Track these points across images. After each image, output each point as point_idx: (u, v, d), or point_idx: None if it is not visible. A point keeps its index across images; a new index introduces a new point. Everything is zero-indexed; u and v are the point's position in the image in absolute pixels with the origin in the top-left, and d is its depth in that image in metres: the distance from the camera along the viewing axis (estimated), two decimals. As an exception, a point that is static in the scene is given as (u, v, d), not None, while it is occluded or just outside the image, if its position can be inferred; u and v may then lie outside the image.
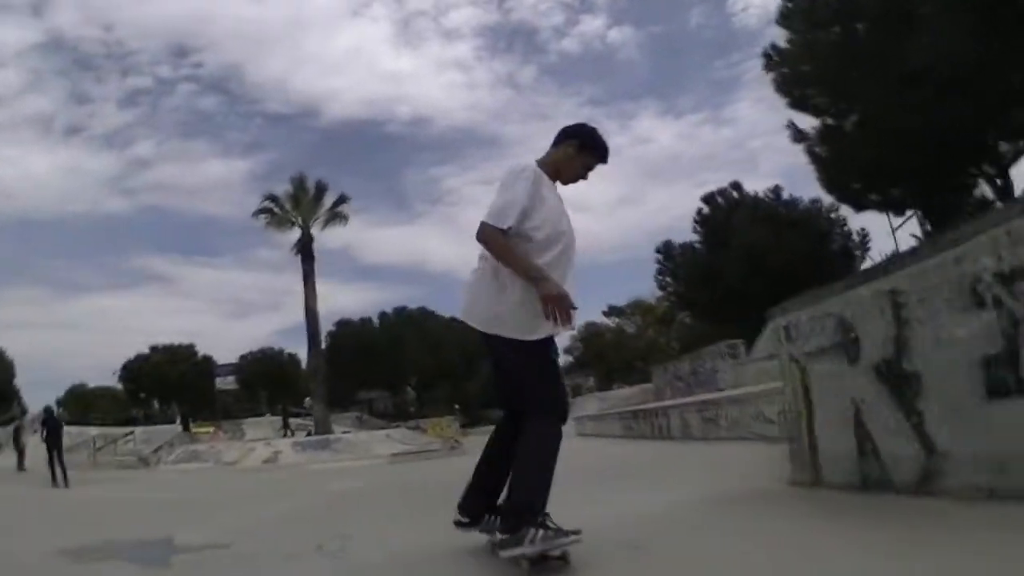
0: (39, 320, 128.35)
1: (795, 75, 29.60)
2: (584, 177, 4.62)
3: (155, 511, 11.27)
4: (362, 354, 72.18)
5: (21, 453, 33.40)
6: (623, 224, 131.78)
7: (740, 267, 44.23)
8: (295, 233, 44.70)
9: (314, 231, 44.87)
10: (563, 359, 75.01)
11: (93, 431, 48.91)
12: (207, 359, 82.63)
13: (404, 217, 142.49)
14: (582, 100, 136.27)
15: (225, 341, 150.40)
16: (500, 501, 4.24)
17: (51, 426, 23.60)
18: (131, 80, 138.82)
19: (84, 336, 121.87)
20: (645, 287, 75.16)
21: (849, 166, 29.27)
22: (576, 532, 3.71)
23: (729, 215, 49.17)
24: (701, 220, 52.02)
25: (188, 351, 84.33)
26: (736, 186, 51.92)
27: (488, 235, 4.00)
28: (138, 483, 21.12)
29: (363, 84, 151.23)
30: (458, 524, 4.46)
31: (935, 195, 29.21)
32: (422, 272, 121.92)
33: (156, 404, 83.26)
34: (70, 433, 46.47)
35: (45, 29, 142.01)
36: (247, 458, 32.02)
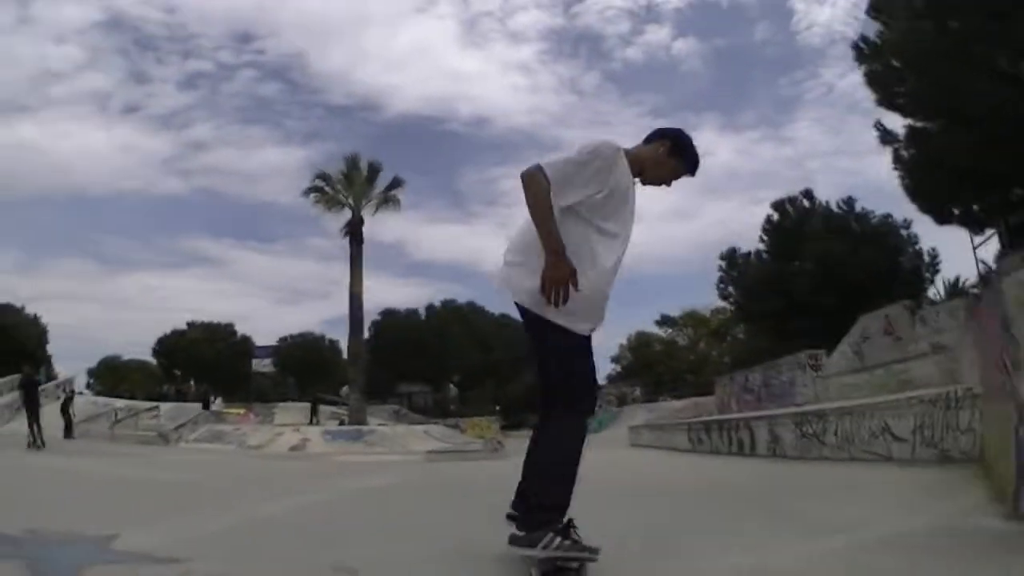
0: (86, 293, 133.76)
1: (887, 70, 27.07)
2: (668, 183, 4.44)
3: (131, 495, 9.13)
4: (405, 346, 70.41)
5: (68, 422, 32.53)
6: (676, 236, 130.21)
7: (810, 279, 41.87)
8: (345, 215, 43.38)
9: (365, 214, 43.51)
10: (610, 367, 68.87)
11: (119, 403, 47.87)
12: (245, 339, 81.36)
13: (459, 216, 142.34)
14: (644, 110, 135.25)
15: (271, 326, 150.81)
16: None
17: (28, 388, 23.26)
18: (192, 63, 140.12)
19: (129, 312, 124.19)
20: (693, 301, 74.64)
21: (939, 172, 26.68)
22: (594, 550, 3.52)
23: (800, 224, 46.61)
24: (771, 228, 49.25)
25: (227, 330, 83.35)
26: (808, 194, 49.01)
27: (535, 178, 3.71)
28: (144, 459, 19.20)
29: (426, 81, 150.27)
30: (509, 517, 4.00)
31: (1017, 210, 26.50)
32: (474, 272, 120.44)
33: (192, 381, 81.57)
34: (96, 403, 46.09)
35: (106, 7, 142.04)
36: (273, 443, 30.59)
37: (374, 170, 44.71)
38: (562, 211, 3.71)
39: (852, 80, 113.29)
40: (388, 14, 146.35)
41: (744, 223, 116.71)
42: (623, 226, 3.90)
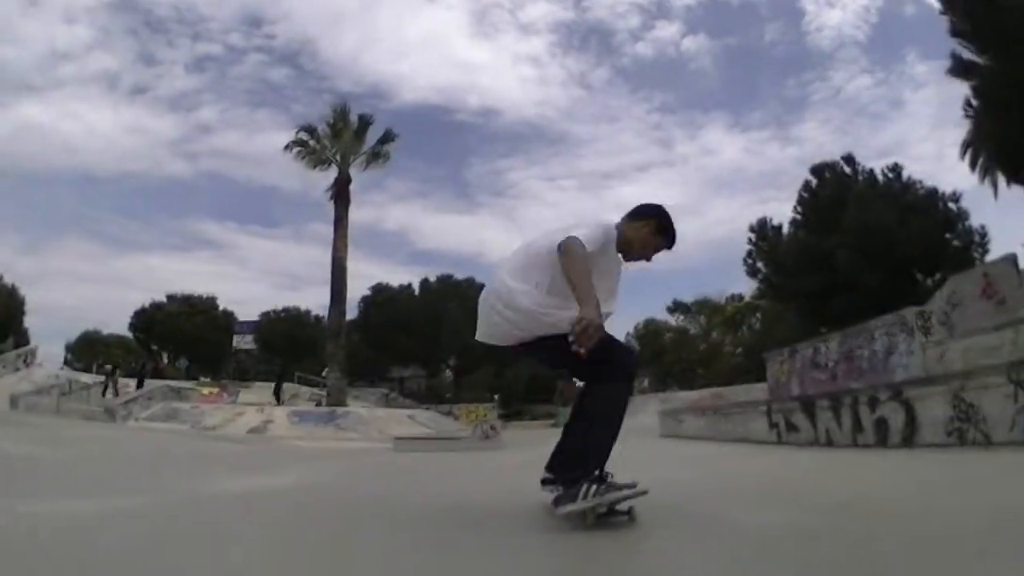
0: (88, 273, 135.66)
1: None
2: (648, 259, 4.85)
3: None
4: (397, 325, 66.58)
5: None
6: (684, 232, 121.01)
7: (852, 253, 38.21)
8: (332, 174, 40.53)
9: (353, 171, 40.64)
10: None
11: (85, 377, 45.96)
12: (227, 314, 78.03)
13: (465, 206, 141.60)
14: (652, 106, 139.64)
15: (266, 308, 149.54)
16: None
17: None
18: (201, 46, 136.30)
19: (127, 292, 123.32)
20: (704, 292, 74.49)
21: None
22: (631, 485, 3.97)
23: (840, 192, 42.53)
24: (808, 196, 45.20)
25: (208, 303, 79.64)
26: (849, 160, 44.94)
27: (577, 248, 4.03)
28: (52, 433, 16.58)
29: (435, 70, 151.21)
30: (544, 481, 4.38)
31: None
32: (478, 263, 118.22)
33: (166, 356, 78.88)
34: (58, 376, 43.59)
35: None
36: (231, 424, 28.40)
37: (364, 123, 41.62)
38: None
39: (860, 84, 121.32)
40: (399, 2, 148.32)
41: (750, 221, 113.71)
42: (603, 301, 4.00)
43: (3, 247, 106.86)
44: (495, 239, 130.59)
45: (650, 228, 4.65)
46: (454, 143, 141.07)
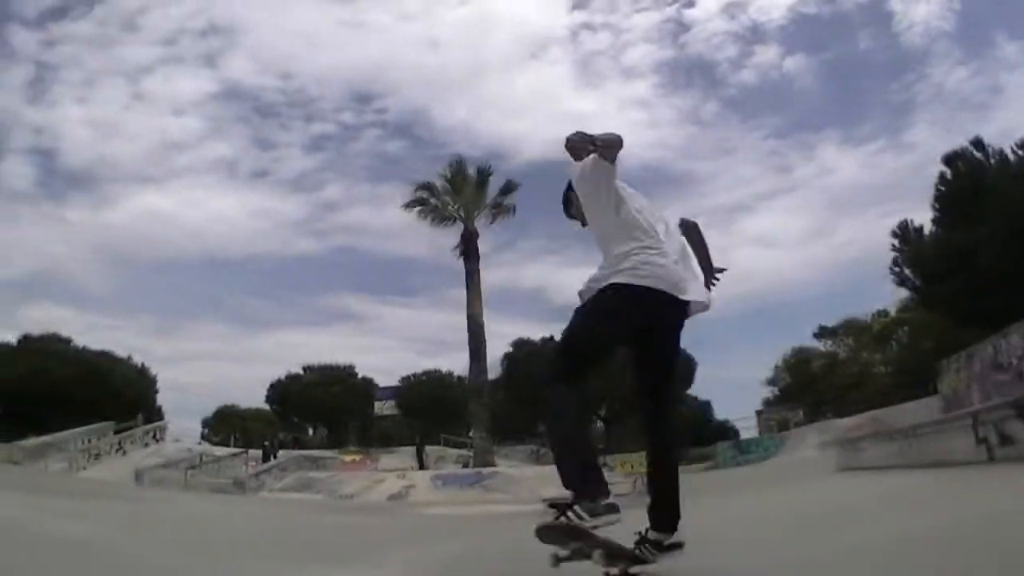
0: (222, 352, 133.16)
1: None
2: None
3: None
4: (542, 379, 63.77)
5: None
6: (815, 258, 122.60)
7: (1000, 246, 33.16)
8: (457, 230, 38.98)
9: (479, 226, 39.01)
10: (766, 391, 62.58)
11: (218, 451, 44.42)
12: (366, 381, 76.56)
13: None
14: (765, 133, 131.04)
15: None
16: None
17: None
18: (315, 126, 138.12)
19: (266, 368, 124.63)
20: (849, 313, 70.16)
21: None
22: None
23: (977, 181, 37.44)
24: (945, 190, 39.93)
25: (344, 372, 78.16)
26: (978, 144, 39.74)
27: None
28: (150, 509, 13.62)
29: (548, 125, 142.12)
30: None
31: None
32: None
33: (309, 428, 78.01)
34: (191, 450, 42.60)
35: (220, 79, 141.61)
36: (370, 491, 26.73)
37: (483, 175, 39.83)
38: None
39: (958, 76, 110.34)
40: (503, 63, 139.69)
41: (878, 238, 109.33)
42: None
43: (137, 331, 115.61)
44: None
45: None
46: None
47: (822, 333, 71.87)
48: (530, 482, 26.49)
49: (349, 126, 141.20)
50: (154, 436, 45.11)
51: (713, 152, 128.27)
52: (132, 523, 10.51)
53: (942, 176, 40.87)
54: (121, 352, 71.98)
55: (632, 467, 39.17)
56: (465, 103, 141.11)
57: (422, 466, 37.86)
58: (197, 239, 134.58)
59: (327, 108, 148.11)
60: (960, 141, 35.92)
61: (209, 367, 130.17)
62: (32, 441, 41.12)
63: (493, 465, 32.46)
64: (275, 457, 38.02)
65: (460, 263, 38.10)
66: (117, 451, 41.00)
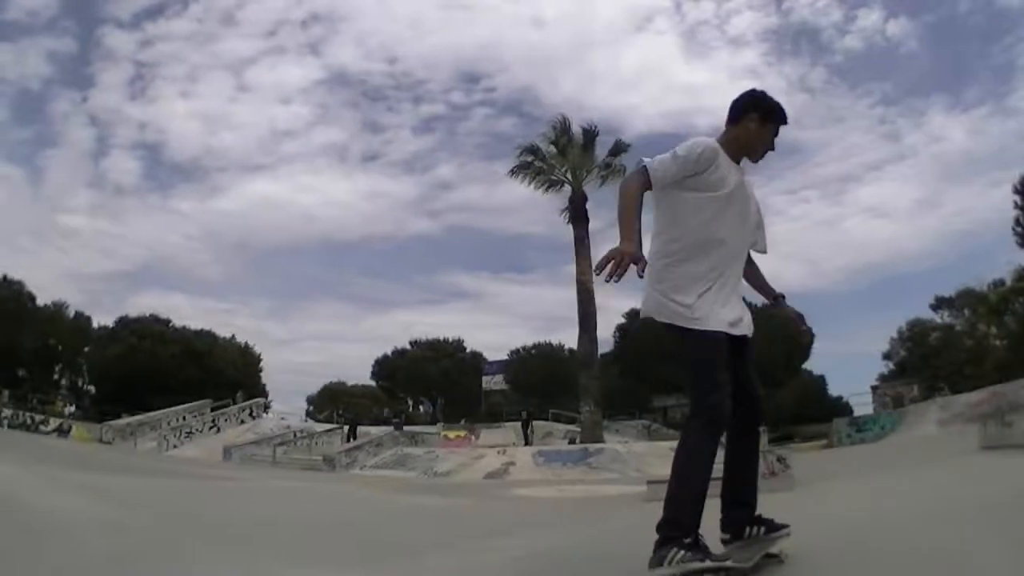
0: (340, 332, 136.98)
1: None
2: (773, 148, 4.36)
3: None
4: (657, 351, 61.32)
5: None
6: (923, 230, 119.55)
7: None
8: (565, 194, 37.55)
9: (588, 188, 37.21)
10: (881, 366, 59.39)
11: (319, 428, 43.59)
12: (476, 355, 75.24)
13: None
14: (874, 100, 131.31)
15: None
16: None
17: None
18: (424, 108, 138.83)
19: (381, 346, 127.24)
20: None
21: None
22: (724, 558, 3.47)
23: None
24: None
25: (453, 346, 77.08)
26: None
27: (627, 180, 3.91)
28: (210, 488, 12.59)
29: (660, 97, 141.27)
30: (725, 542, 3.89)
31: None
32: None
33: (416, 402, 77.33)
34: (289, 426, 43.18)
35: (325, 65, 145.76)
36: (467, 469, 25.22)
37: (590, 135, 37.81)
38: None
39: None
40: (609, 37, 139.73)
41: (988, 208, 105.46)
42: (730, 231, 3.96)
43: (251, 314, 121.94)
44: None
45: (756, 121, 4.14)
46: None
47: (939, 304, 68.58)
48: (638, 459, 24.76)
49: (458, 106, 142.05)
50: (250, 413, 44.52)
51: (823, 120, 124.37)
52: (141, 501, 8.92)
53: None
54: (225, 332, 73.39)
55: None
56: (573, 78, 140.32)
57: (527, 442, 36.28)
58: (311, 223, 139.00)
59: (435, 89, 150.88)
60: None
61: (324, 348, 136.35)
62: (123, 420, 40.99)
63: (601, 441, 30.72)
64: (354, 437, 36.90)
65: (568, 228, 36.62)
66: (211, 429, 40.53)
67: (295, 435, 37.30)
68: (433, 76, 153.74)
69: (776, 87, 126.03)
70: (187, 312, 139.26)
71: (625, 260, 3.43)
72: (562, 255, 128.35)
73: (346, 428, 38.96)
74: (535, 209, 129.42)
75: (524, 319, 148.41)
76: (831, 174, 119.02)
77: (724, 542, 3.85)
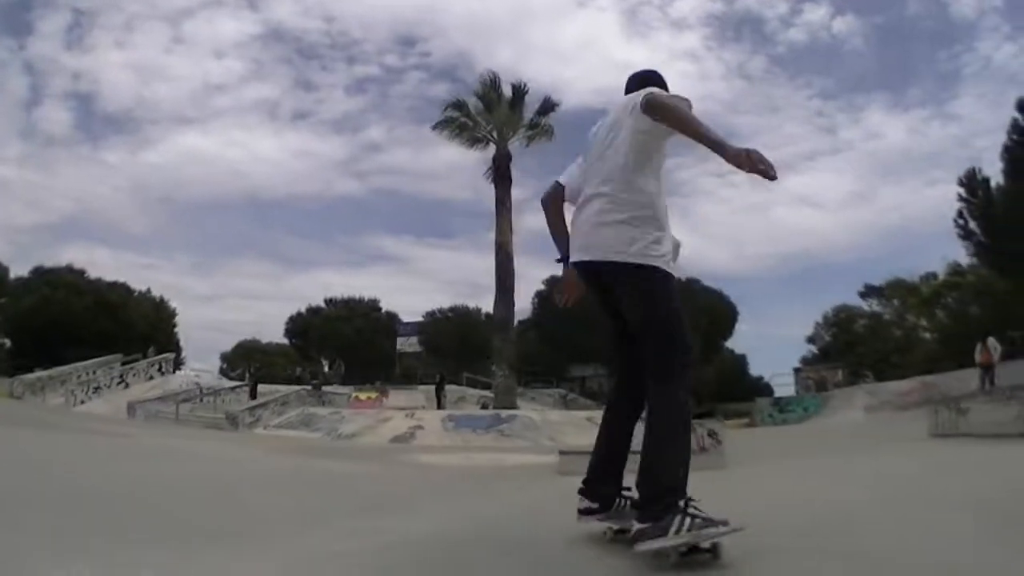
0: (263, 291, 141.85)
1: None
2: None
3: None
4: (576, 320, 60.81)
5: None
6: (854, 223, 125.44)
7: None
8: (489, 154, 36.64)
9: (513, 148, 36.54)
10: (805, 349, 57.98)
11: (228, 385, 42.97)
12: (390, 316, 73.97)
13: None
14: (812, 92, 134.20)
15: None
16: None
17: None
18: (359, 68, 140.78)
19: (304, 305, 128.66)
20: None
21: None
22: (725, 522, 3.21)
23: None
24: (1019, 137, 38.21)
25: (368, 306, 75.77)
26: None
27: (684, 102, 3.65)
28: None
29: (595, 74, 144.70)
30: (583, 512, 3.92)
31: None
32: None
33: (325, 363, 74.27)
34: (198, 384, 41.69)
35: (262, 20, 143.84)
36: (372, 432, 24.37)
37: (519, 93, 36.91)
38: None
39: (1007, 51, 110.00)
40: (550, 9, 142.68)
41: (923, 206, 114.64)
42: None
43: (174, 270, 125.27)
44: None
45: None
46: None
47: (868, 292, 70.31)
48: (552, 428, 24.19)
49: (392, 68, 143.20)
50: (159, 368, 43.20)
51: (760, 108, 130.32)
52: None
53: (1015, 124, 38.36)
54: (144, 287, 72.43)
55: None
56: (510, 48, 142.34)
57: (440, 406, 35.47)
58: (238, 179, 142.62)
59: (370, 50, 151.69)
60: (1007, 117, 34.54)
61: (245, 306, 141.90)
62: (34, 375, 40.04)
63: (514, 408, 30.04)
64: (254, 396, 35.95)
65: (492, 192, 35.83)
66: (119, 384, 39.43)
67: (201, 392, 36.36)
68: (369, 37, 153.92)
69: (714, 71, 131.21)
70: (109, 266, 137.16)
71: (759, 155, 3.26)
72: (487, 221, 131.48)
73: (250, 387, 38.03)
74: (461, 174, 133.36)
75: (446, 284, 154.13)
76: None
77: (589, 511, 3.86)
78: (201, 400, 34.77)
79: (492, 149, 36.34)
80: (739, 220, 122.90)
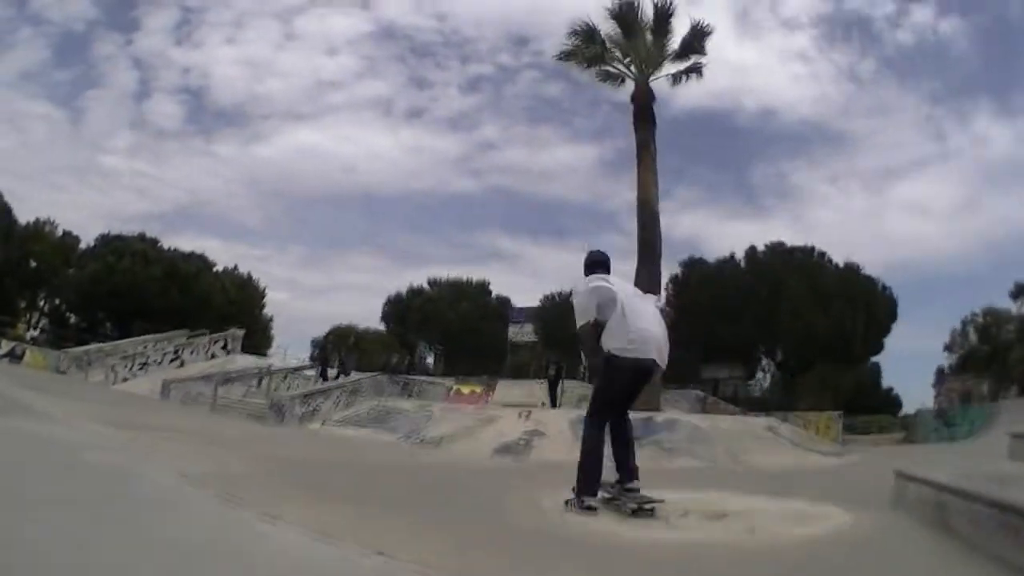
0: (374, 286, 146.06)
1: None
2: None
3: None
4: (716, 314, 53.26)
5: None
6: (963, 232, 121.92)
7: None
8: (627, 90, 30.26)
9: (655, 85, 30.01)
10: (947, 357, 63.91)
11: (293, 366, 38.37)
12: (503, 301, 67.90)
13: (752, 211, 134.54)
14: (921, 96, 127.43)
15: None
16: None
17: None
18: (472, 67, 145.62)
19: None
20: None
21: None
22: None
23: None
24: None
25: (477, 288, 69.05)
26: None
27: (583, 329, 6.92)
28: None
29: (704, 77, 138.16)
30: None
31: None
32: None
33: (424, 350, 70.44)
34: (271, 365, 37.72)
35: (374, 18, 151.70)
36: (473, 435, 18.01)
37: (663, 15, 29.45)
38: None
39: None
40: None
41: None
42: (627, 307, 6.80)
43: (285, 262, 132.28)
44: (785, 241, 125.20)
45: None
46: (735, 147, 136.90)
47: (1019, 292, 61.25)
48: (728, 439, 16.81)
49: (506, 68, 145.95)
50: (225, 346, 39.21)
51: (870, 111, 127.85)
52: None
53: None
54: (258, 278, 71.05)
55: (817, 428, 33.15)
56: None
57: (554, 404, 28.68)
58: (352, 174, 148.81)
59: (484, 49, 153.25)
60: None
61: (356, 299, 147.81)
62: (81, 349, 37.67)
63: (658, 409, 22.42)
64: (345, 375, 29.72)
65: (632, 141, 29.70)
66: (172, 361, 36.09)
67: (262, 373, 31.46)
68: (482, 35, 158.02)
69: (825, 73, 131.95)
70: (222, 257, 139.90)
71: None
72: (600, 224, 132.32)
73: (318, 369, 33.01)
74: (575, 176, 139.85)
75: (561, 284, 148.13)
76: (874, 166, 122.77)
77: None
78: (259, 384, 29.71)
79: (628, 87, 30.09)
80: (852, 227, 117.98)
